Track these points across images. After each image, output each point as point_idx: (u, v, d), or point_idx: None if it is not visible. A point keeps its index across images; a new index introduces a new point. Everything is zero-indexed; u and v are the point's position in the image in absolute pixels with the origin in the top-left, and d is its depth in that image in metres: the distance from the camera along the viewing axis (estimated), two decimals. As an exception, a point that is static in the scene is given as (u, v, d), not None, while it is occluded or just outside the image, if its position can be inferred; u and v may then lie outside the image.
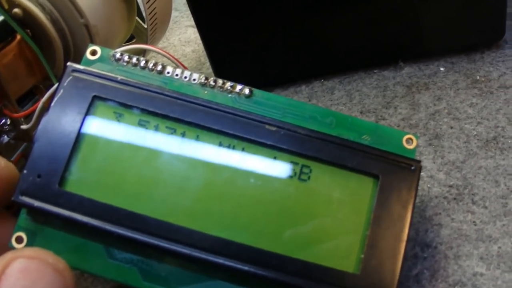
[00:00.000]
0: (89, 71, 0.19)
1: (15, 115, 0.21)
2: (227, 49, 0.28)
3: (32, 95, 0.23)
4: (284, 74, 0.28)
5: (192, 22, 0.32)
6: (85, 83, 0.19)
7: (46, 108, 0.18)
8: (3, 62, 0.22)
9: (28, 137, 0.22)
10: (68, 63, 0.19)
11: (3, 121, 0.22)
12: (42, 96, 0.19)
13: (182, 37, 0.37)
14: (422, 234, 0.21)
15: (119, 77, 0.19)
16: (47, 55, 0.23)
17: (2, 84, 0.21)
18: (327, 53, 0.27)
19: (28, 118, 0.22)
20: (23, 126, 0.21)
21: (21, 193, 0.17)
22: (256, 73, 0.28)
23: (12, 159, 0.23)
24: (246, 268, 0.17)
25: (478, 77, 0.27)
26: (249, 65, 0.28)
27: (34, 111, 0.20)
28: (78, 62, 0.19)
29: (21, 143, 0.23)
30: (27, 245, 0.17)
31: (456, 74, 0.27)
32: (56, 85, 0.19)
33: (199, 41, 0.28)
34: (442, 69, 0.27)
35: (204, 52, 0.29)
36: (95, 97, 0.18)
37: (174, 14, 0.39)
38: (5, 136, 0.23)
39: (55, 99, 0.18)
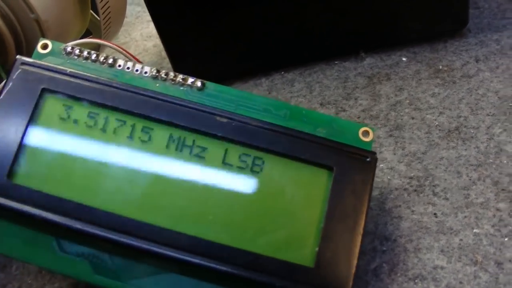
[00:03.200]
0: (38, 64, 0.18)
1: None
2: (184, 42, 0.27)
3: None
4: (244, 67, 0.27)
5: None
6: (34, 76, 0.18)
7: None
8: None
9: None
10: (18, 56, 0.18)
11: None
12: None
13: (144, 32, 0.36)
14: (381, 227, 0.21)
15: (68, 70, 0.18)
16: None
17: None
18: (286, 45, 0.27)
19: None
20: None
21: None
22: (215, 67, 0.27)
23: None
24: (196, 260, 0.17)
25: (440, 67, 0.26)
26: (208, 58, 0.27)
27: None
28: (30, 57, 0.19)
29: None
30: None
31: (418, 64, 0.26)
32: (5, 80, 0.18)
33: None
34: (404, 59, 0.27)
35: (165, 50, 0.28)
36: (44, 90, 0.18)
37: (136, 9, 0.38)
38: None
39: (4, 92, 0.18)
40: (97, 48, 0.29)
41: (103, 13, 0.27)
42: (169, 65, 0.29)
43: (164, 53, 0.33)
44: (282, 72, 0.27)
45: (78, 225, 0.17)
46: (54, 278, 0.20)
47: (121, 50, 0.23)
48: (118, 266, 0.17)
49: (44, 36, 0.25)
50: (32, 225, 0.17)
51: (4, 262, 0.21)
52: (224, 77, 0.26)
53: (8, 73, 0.18)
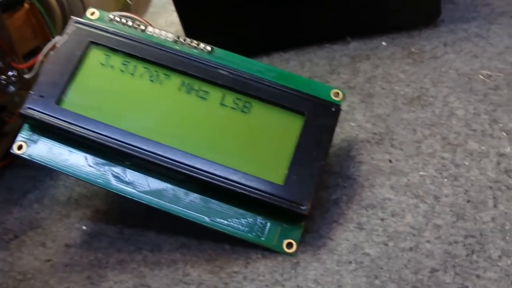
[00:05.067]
0: (88, 23, 0.25)
1: (21, 66, 0.26)
2: (199, 25, 0.33)
3: (34, 54, 0.29)
4: (248, 46, 0.33)
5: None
6: (84, 32, 0.24)
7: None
8: (14, 26, 0.27)
9: (30, 86, 0.27)
10: (72, 16, 0.25)
11: (11, 73, 0.27)
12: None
13: (168, 19, 0.42)
14: (345, 169, 0.26)
15: (110, 29, 0.25)
16: (49, 22, 0.29)
17: (12, 43, 0.27)
18: (285, 30, 0.32)
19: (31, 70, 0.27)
20: (26, 75, 0.26)
21: (27, 108, 0.22)
22: (222, 46, 0.33)
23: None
24: (194, 174, 0.22)
25: (413, 50, 0.31)
26: (217, 39, 0.33)
27: (35, 63, 0.26)
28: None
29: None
30: (26, 152, 0.23)
31: (395, 47, 0.31)
32: (54, 38, 0.24)
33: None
34: (384, 43, 0.32)
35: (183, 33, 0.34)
36: (91, 42, 0.24)
37: (163, 0, 0.44)
38: (11, 87, 0.28)
39: (61, 42, 0.24)
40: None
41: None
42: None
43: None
44: (280, 53, 0.33)
45: (107, 142, 0.22)
46: (78, 208, 0.27)
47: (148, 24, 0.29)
48: (133, 179, 0.23)
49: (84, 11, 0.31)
50: (71, 142, 0.23)
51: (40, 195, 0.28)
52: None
53: (64, 28, 0.24)
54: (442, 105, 0.27)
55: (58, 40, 0.24)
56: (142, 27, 0.25)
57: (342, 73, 0.30)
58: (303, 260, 0.22)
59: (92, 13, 0.25)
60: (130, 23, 0.25)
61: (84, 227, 0.26)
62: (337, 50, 0.32)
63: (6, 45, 0.27)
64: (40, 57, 0.25)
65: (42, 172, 0.30)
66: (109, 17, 0.25)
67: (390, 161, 0.25)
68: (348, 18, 0.32)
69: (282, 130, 0.24)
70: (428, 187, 0.24)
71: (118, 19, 0.25)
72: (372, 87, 0.29)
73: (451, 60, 0.30)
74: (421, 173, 0.25)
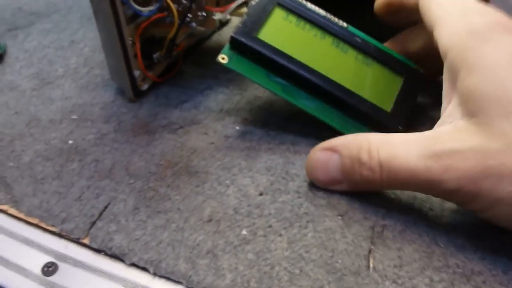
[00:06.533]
0: None
1: (214, 9, 0.38)
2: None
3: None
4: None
5: None
6: None
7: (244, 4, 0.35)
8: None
9: (210, 24, 0.39)
10: None
11: (200, 13, 0.39)
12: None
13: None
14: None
15: None
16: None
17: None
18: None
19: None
20: (215, 17, 0.37)
21: (235, 34, 0.34)
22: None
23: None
24: (338, 95, 0.34)
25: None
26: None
27: (226, 10, 0.37)
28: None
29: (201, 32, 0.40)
30: (227, 63, 0.34)
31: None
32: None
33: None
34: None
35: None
36: (277, 4, 0.36)
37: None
38: (194, 24, 0.40)
39: (253, 4, 0.35)
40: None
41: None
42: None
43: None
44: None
45: (284, 64, 0.34)
46: (230, 116, 0.37)
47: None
48: (295, 92, 0.34)
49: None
50: (258, 61, 0.34)
51: (195, 105, 0.39)
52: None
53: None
54: None
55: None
56: (304, 2, 0.37)
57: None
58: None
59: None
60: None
61: (237, 127, 0.37)
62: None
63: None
64: (233, 6, 0.37)
65: (194, 91, 0.41)
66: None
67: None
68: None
69: (391, 80, 0.36)
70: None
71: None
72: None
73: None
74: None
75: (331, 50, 0.36)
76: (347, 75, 0.35)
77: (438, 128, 0.28)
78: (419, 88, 0.36)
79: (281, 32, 0.35)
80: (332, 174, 0.30)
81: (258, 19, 0.35)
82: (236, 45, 0.34)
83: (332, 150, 0.30)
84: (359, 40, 0.36)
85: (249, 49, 0.34)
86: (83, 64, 0.45)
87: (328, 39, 0.36)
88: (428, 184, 0.27)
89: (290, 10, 0.36)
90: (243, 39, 0.34)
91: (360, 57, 0.36)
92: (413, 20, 0.36)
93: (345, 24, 0.37)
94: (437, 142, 0.27)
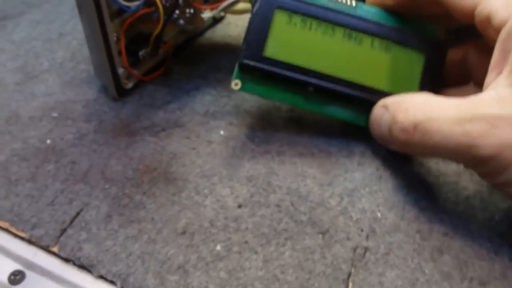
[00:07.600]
0: None
1: (202, 6, 0.36)
2: None
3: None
4: None
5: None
6: (272, 1, 0.33)
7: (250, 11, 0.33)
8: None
9: (198, 22, 0.37)
10: None
11: (188, 10, 0.37)
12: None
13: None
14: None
15: None
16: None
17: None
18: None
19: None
20: (203, 15, 0.36)
21: (244, 58, 0.32)
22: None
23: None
24: (355, 94, 0.33)
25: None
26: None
27: (216, 8, 0.35)
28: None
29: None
30: (241, 88, 0.33)
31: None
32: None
33: None
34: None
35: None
36: (277, 6, 0.33)
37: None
38: (181, 20, 0.38)
39: (257, 6, 0.33)
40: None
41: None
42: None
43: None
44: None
45: (300, 78, 0.32)
46: (215, 119, 0.35)
47: None
48: (317, 101, 0.33)
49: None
50: (274, 79, 0.32)
51: (180, 106, 0.37)
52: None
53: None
54: None
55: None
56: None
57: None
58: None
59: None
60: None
61: (221, 132, 0.36)
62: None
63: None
64: (223, 5, 0.35)
65: (180, 91, 0.39)
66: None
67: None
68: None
69: (413, 60, 0.34)
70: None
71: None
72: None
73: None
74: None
75: (344, 46, 0.33)
76: (366, 70, 0.33)
77: (480, 95, 0.27)
78: (443, 60, 0.34)
79: (288, 42, 0.33)
80: (383, 131, 0.30)
81: (260, 34, 0.32)
82: (245, 69, 0.32)
83: (385, 107, 0.30)
84: (371, 24, 0.34)
85: (260, 71, 0.32)
86: (70, 59, 0.43)
87: (339, 33, 0.33)
88: (462, 149, 0.25)
89: (291, 10, 0.33)
90: (251, 63, 0.32)
91: (376, 43, 0.34)
92: None
93: (353, 3, 0.34)
94: (478, 107, 0.26)
